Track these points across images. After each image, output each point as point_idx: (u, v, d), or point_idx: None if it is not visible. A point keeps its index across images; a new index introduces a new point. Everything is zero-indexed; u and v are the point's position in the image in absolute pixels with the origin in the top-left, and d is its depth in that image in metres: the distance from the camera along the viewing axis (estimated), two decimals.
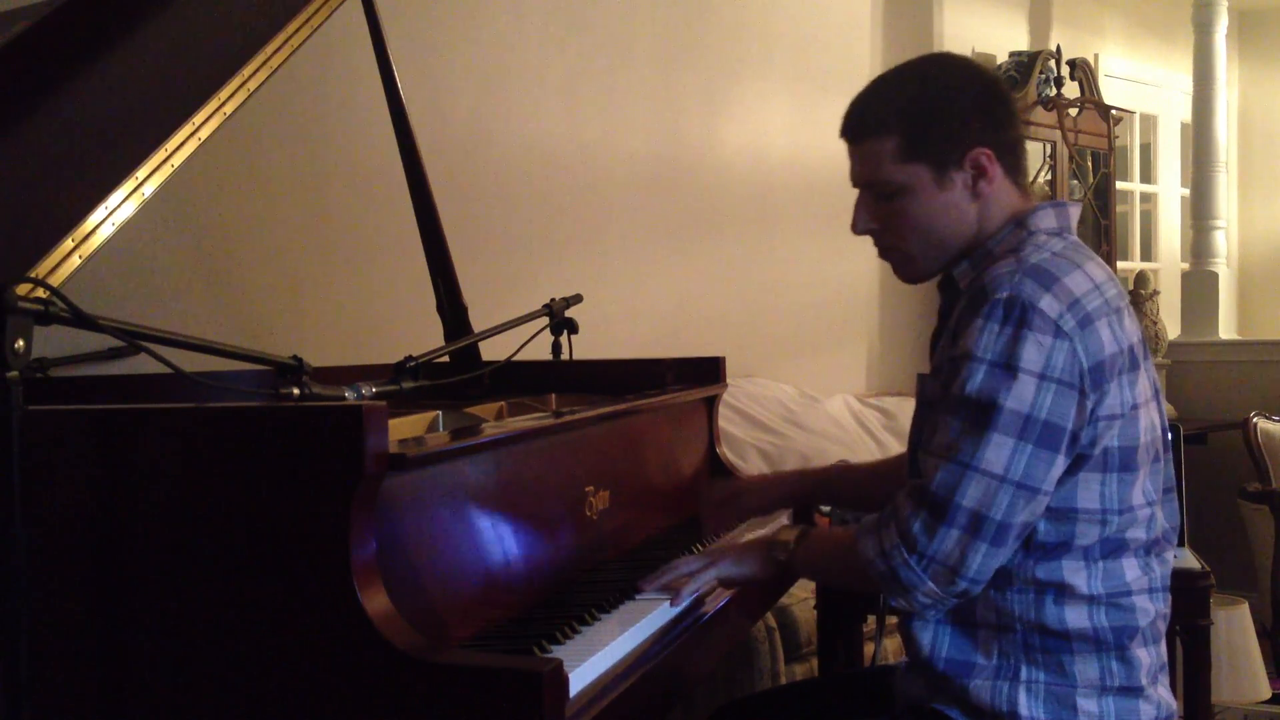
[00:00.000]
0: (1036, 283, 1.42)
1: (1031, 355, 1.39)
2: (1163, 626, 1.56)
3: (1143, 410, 1.48)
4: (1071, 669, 1.47)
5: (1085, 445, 1.43)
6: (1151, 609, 1.51)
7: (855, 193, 1.61)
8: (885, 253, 1.63)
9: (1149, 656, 1.51)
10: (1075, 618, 1.46)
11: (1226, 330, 5.57)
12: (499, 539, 1.56)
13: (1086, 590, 1.46)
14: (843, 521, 2.20)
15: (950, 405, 1.43)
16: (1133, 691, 1.49)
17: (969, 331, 1.43)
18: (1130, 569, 1.49)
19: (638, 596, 1.61)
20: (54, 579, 1.26)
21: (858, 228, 1.62)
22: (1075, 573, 1.46)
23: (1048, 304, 1.40)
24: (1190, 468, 2.91)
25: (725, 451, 2.43)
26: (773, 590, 2.05)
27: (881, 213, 1.58)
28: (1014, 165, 1.58)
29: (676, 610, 1.61)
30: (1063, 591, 1.46)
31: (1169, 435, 1.58)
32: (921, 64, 1.62)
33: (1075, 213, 1.59)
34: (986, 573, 1.42)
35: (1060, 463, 1.41)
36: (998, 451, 1.39)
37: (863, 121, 1.57)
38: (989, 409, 1.39)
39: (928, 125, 1.53)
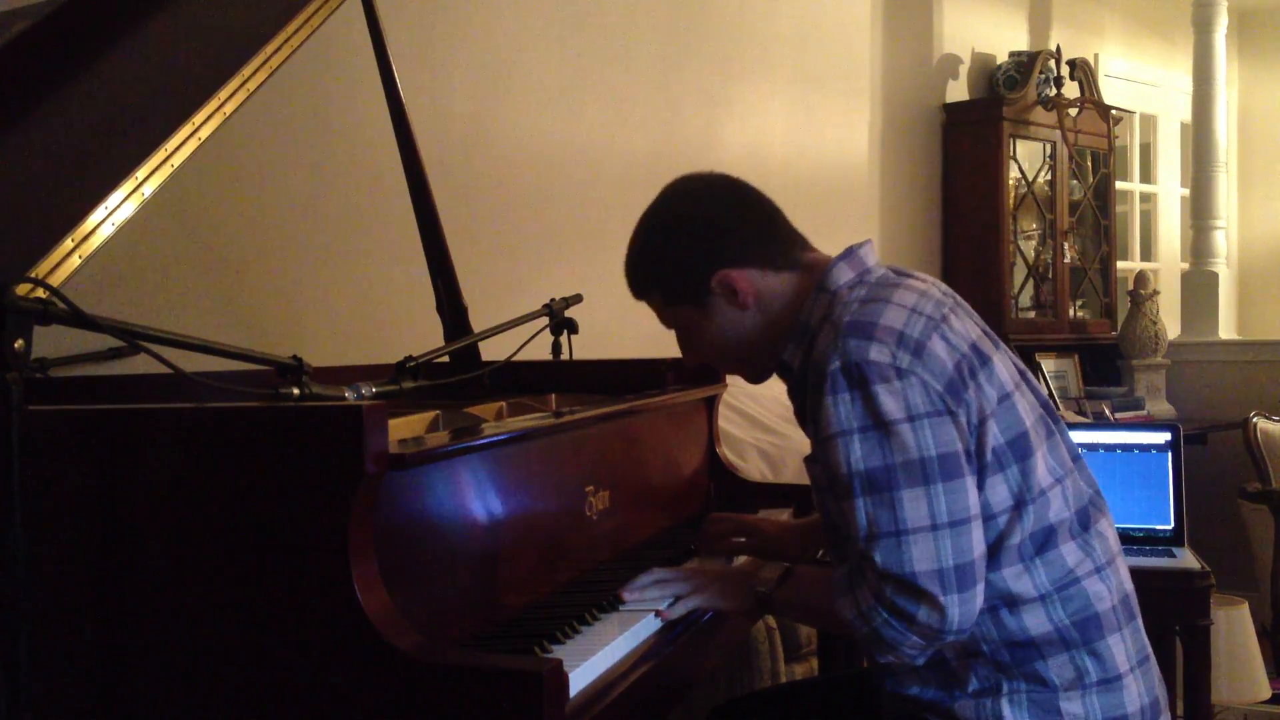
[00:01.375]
0: (858, 338, 1.43)
1: (889, 405, 1.40)
2: (1132, 606, 1.54)
3: (1015, 396, 1.49)
4: (1048, 674, 1.46)
5: (976, 454, 1.44)
6: (1105, 590, 1.49)
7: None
8: (726, 373, 1.74)
9: (1122, 643, 1.50)
10: (1035, 623, 1.46)
11: (1226, 330, 5.57)
12: (499, 539, 1.56)
13: (1035, 591, 1.46)
14: None
15: (845, 487, 1.43)
16: (1112, 684, 1.48)
17: (821, 412, 1.45)
18: (1070, 553, 1.48)
19: (621, 608, 1.59)
20: (54, 579, 1.26)
21: (687, 360, 1.76)
22: (1018, 578, 1.46)
23: (877, 352, 1.42)
24: (1190, 468, 2.91)
25: (725, 451, 2.43)
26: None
27: (691, 346, 1.69)
28: (770, 255, 1.61)
29: (658, 625, 1.59)
30: (1014, 601, 1.46)
31: (1053, 410, 1.58)
32: (651, 215, 1.67)
33: (868, 251, 1.61)
34: (969, 618, 1.41)
35: (971, 483, 1.42)
36: (915, 506, 1.39)
37: (631, 285, 1.70)
38: (883, 472, 1.40)
39: (667, 276, 1.64)
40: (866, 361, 1.42)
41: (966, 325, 1.52)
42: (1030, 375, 1.59)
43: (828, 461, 1.46)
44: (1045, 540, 1.48)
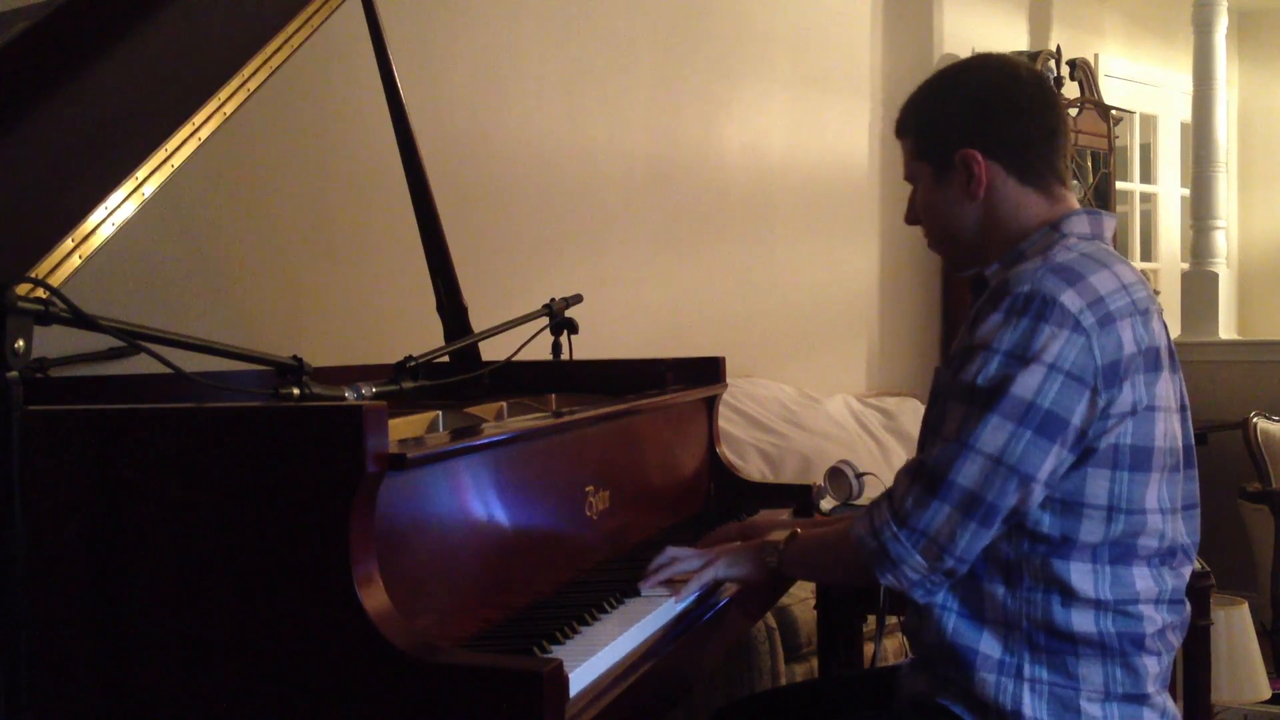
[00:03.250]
0: (1060, 278, 1.44)
1: (1045, 345, 1.41)
2: (1175, 640, 1.55)
3: (1161, 414, 1.48)
4: (1076, 671, 1.47)
5: (1092, 439, 1.44)
6: (1159, 619, 1.50)
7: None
8: (931, 244, 1.71)
9: (1157, 666, 1.51)
10: (1081, 621, 1.46)
11: (1226, 330, 5.56)
12: (499, 539, 1.56)
13: (1094, 594, 1.46)
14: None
15: (959, 392, 1.46)
16: (1138, 699, 1.49)
17: (986, 323, 1.45)
18: (1141, 578, 1.48)
19: (643, 592, 1.64)
20: (53, 579, 1.26)
21: (907, 218, 1.72)
22: (1082, 575, 1.46)
23: (1069, 298, 1.42)
24: None
25: (725, 451, 2.43)
26: (771, 591, 2.05)
27: (915, 205, 1.68)
28: (1025, 168, 1.58)
29: (677, 610, 1.62)
30: (1070, 594, 1.46)
31: (1193, 455, 1.57)
32: (962, 65, 1.68)
33: (1110, 223, 1.60)
34: (972, 552, 1.44)
35: (1060, 455, 1.42)
36: (995, 434, 1.41)
37: (900, 121, 1.68)
38: (996, 394, 1.41)
39: (926, 126, 1.64)
40: (1055, 300, 1.42)
41: (1160, 331, 1.52)
42: (1188, 416, 1.59)
43: (964, 361, 1.46)
44: (1122, 556, 1.47)
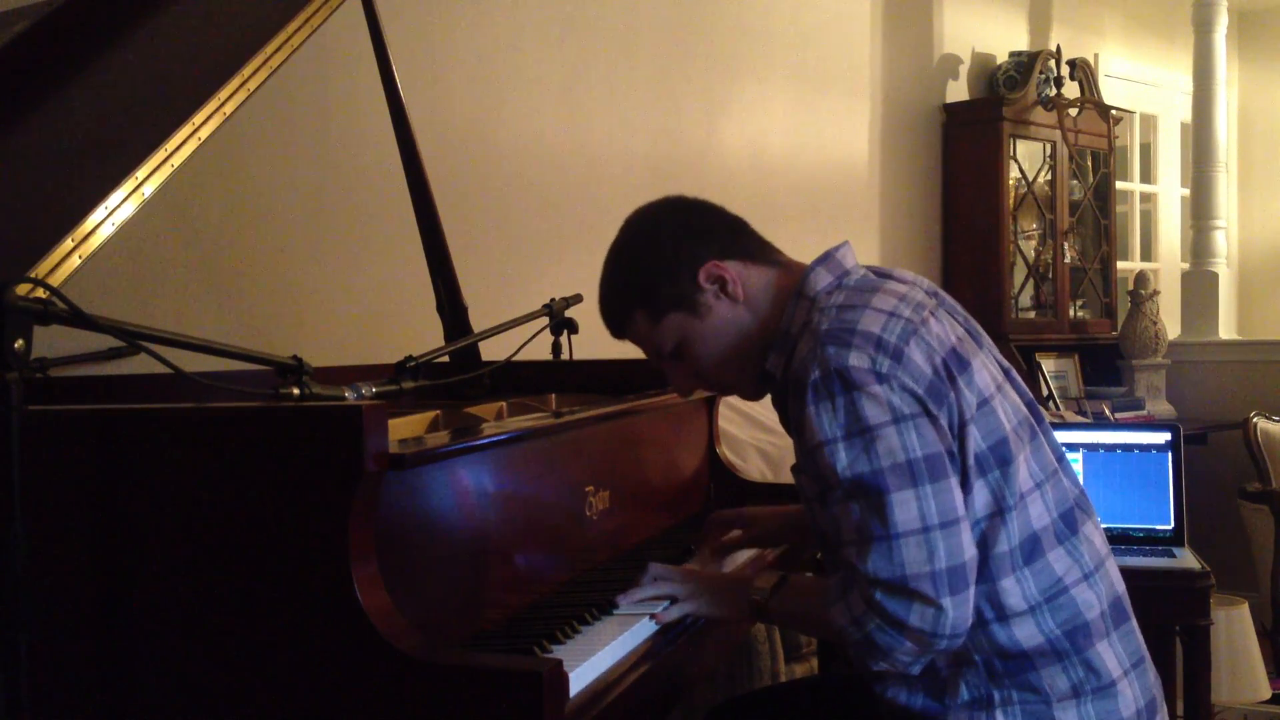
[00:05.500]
0: (836, 345, 1.42)
1: (872, 410, 1.39)
2: (1124, 609, 1.54)
3: (995, 401, 1.48)
4: (1041, 685, 1.45)
5: (959, 457, 1.43)
6: (1094, 598, 1.49)
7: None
8: (722, 393, 1.70)
9: (1112, 649, 1.49)
10: (1026, 635, 1.45)
11: (1226, 330, 5.56)
12: (499, 539, 1.56)
13: (1025, 604, 1.45)
14: None
15: (838, 494, 1.42)
16: (1106, 690, 1.47)
17: (805, 423, 1.43)
18: (1058, 561, 1.47)
19: (615, 611, 1.58)
20: (54, 579, 1.26)
21: (683, 393, 1.70)
22: (1007, 590, 1.45)
23: (856, 358, 1.41)
24: (1190, 468, 2.91)
25: (725, 451, 2.43)
26: None
27: (686, 369, 1.64)
28: (748, 251, 1.61)
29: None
30: (1004, 614, 1.45)
31: (1038, 408, 1.58)
32: (619, 240, 1.67)
33: (846, 253, 1.59)
34: (962, 622, 1.39)
35: (956, 484, 1.41)
36: (905, 509, 1.37)
37: (611, 320, 1.65)
38: (871, 477, 1.39)
39: (652, 284, 1.59)
40: (846, 368, 1.40)
41: (946, 328, 1.50)
42: (1015, 375, 1.58)
43: (816, 470, 1.44)
44: (1032, 549, 1.46)
